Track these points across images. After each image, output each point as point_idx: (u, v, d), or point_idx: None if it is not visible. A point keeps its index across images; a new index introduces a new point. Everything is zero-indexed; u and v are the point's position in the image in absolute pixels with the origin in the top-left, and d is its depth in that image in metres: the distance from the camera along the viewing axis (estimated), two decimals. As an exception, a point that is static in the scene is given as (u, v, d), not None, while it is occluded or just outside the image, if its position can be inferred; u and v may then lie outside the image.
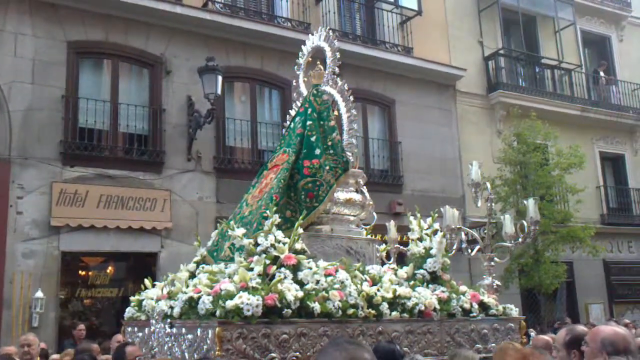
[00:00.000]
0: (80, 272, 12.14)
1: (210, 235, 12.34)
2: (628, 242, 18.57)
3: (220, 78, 11.41)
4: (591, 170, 17.64)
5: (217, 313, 4.12)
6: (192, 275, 5.23)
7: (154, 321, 4.87)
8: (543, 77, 18.29)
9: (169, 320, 4.61)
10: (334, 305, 4.44)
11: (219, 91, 11.46)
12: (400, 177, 14.53)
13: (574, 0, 18.96)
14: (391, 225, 6.80)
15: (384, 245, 6.46)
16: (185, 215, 11.92)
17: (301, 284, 4.54)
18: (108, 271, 12.22)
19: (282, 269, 4.57)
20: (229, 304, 4.10)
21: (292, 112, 6.53)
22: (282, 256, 4.62)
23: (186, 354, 4.33)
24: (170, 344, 4.57)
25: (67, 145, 11.10)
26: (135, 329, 5.41)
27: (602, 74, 19.60)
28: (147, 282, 5.77)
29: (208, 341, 4.10)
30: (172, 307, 4.62)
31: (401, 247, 6.60)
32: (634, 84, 19.85)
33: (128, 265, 12.63)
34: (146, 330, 5.09)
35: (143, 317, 5.31)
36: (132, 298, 5.82)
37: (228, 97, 13.11)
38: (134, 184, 11.50)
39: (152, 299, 5.20)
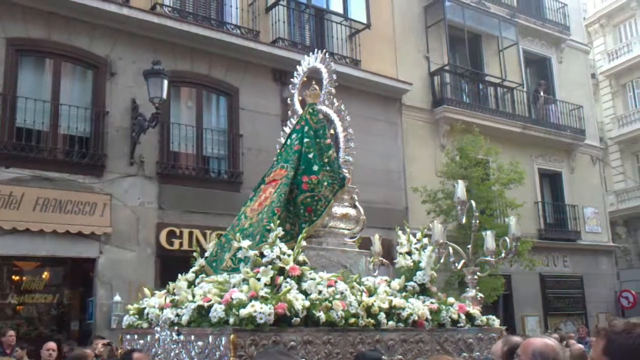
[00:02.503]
0: (13, 277, 11.73)
1: (150, 242, 12.20)
2: (563, 257, 19.18)
3: (166, 82, 11.24)
4: (530, 186, 18.16)
5: (231, 321, 4.33)
6: (191, 285, 5.48)
7: (158, 329, 5.04)
8: (486, 94, 18.78)
9: (176, 328, 4.78)
10: (337, 315, 4.72)
11: (165, 95, 11.28)
12: (345, 188, 14.62)
13: (517, 21, 19.57)
14: (375, 238, 7.04)
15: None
16: (126, 220, 11.67)
17: (305, 294, 4.79)
18: (43, 276, 11.86)
19: (288, 280, 4.82)
20: (243, 312, 4.31)
21: (287, 129, 6.80)
22: (287, 267, 4.88)
23: None
24: (177, 351, 4.74)
25: (3, 145, 10.72)
26: (136, 336, 5.55)
27: (542, 93, 20.24)
28: (146, 290, 5.93)
29: (222, 348, 4.30)
30: (178, 315, 4.81)
31: (384, 260, 6.90)
32: (571, 104, 20.58)
33: (65, 270, 12.28)
34: (148, 337, 5.25)
35: (145, 325, 5.46)
36: (129, 306, 5.98)
37: (174, 102, 12.94)
38: (73, 187, 11.19)
39: (154, 307, 5.38)
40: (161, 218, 12.07)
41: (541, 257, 17.23)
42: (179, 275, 5.80)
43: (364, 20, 15.59)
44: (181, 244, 12.04)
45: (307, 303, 4.63)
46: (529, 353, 3.27)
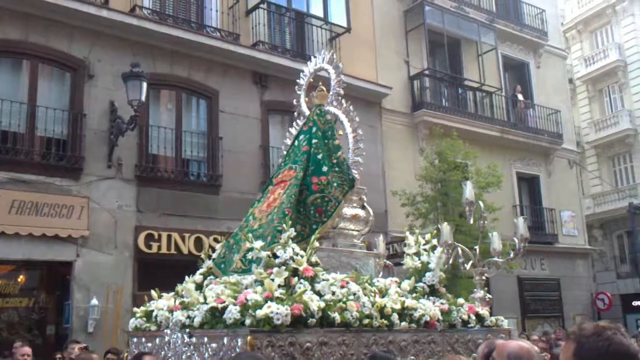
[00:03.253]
0: (-13, 280, 11.57)
1: (128, 245, 12.11)
2: (541, 260, 19.38)
3: (145, 84, 11.18)
4: (508, 189, 18.32)
5: (247, 322, 4.29)
6: (199, 287, 5.45)
7: (168, 331, 4.99)
8: (465, 98, 18.93)
9: (187, 330, 4.73)
10: (351, 316, 4.70)
11: (144, 98, 11.22)
12: (325, 191, 14.64)
13: (496, 26, 19.77)
14: (380, 240, 7.09)
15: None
16: (103, 223, 11.57)
17: (318, 295, 4.75)
18: (19, 280, 11.70)
19: (302, 281, 4.79)
20: (259, 313, 4.28)
21: (293, 130, 6.79)
22: (301, 268, 4.86)
23: None
24: (189, 354, 4.70)
25: (-21, 147, 10.60)
26: (143, 339, 5.50)
27: (520, 97, 20.44)
28: (153, 293, 5.86)
29: (237, 349, 4.27)
30: (189, 317, 4.77)
31: (387, 262, 6.97)
32: (549, 108, 20.83)
33: (41, 274, 12.13)
34: (157, 340, 5.20)
35: (153, 328, 5.41)
36: (136, 309, 5.93)
37: (153, 105, 12.87)
38: (50, 189, 11.07)
39: (162, 309, 5.33)
40: (139, 221, 11.99)
41: (519, 259, 17.35)
42: (186, 277, 5.80)
43: (344, 24, 15.65)
44: (159, 247, 11.97)
45: (323, 304, 4.61)
46: (504, 356, 3.32)
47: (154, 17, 13.01)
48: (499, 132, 18.75)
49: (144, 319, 5.66)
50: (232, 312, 4.39)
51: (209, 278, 5.70)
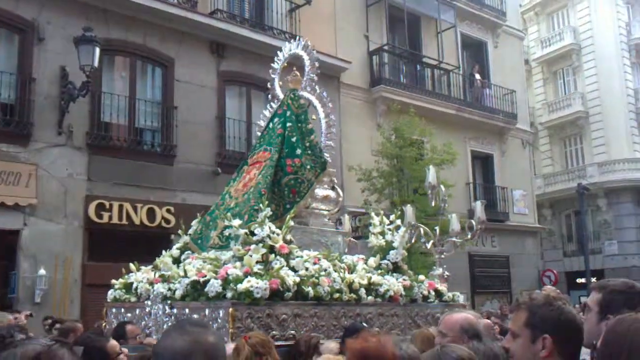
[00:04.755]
0: None
1: (78, 214, 11.84)
2: (491, 237, 19.75)
3: (97, 50, 10.85)
4: (462, 167, 18.56)
5: (229, 295, 4.66)
6: (176, 261, 5.83)
7: (149, 302, 5.29)
8: (423, 75, 19.01)
9: (169, 302, 5.07)
10: (324, 290, 5.11)
11: (96, 63, 10.91)
12: (281, 164, 14.55)
13: (456, 4, 19.82)
14: (346, 219, 7.47)
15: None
16: (53, 192, 11.27)
17: (293, 270, 5.12)
18: (-38, 248, 11.34)
19: (278, 257, 5.15)
20: (240, 287, 4.64)
21: (267, 113, 7.09)
22: (277, 245, 5.22)
23: None
24: (170, 323, 4.95)
25: None
26: (122, 309, 5.81)
27: (477, 76, 20.63)
28: (132, 266, 6.21)
29: (219, 320, 4.64)
30: (170, 290, 5.11)
31: (351, 239, 7.31)
32: (505, 88, 21.08)
33: (-14, 242, 11.78)
34: (137, 311, 5.53)
35: (133, 299, 5.75)
36: (114, 281, 6.22)
37: (106, 71, 12.53)
38: (-4, 156, 10.71)
39: (141, 281, 5.65)
40: (90, 190, 11.72)
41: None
42: (164, 252, 6.10)
43: (305, -4, 15.46)
44: (110, 217, 11.75)
45: (297, 279, 4.98)
46: (457, 329, 3.32)
47: (108, -19, 12.59)
48: (455, 110, 18.92)
49: (123, 290, 5.97)
50: (214, 286, 4.73)
51: (186, 253, 6.00)
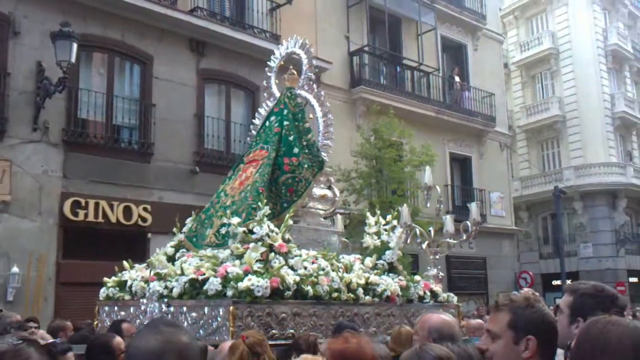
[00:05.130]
0: None
1: (53, 211, 11.69)
2: (469, 239, 19.83)
3: (75, 45, 10.71)
4: (441, 169, 18.65)
5: (229, 293, 4.64)
6: (170, 259, 5.79)
7: (144, 300, 5.22)
8: (403, 77, 19.07)
9: (166, 300, 5.02)
10: (323, 289, 5.13)
11: (73, 59, 10.77)
12: (260, 164, 14.48)
13: (436, 6, 19.93)
14: (338, 218, 7.44)
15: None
16: (27, 188, 11.11)
17: (292, 269, 5.13)
18: None
19: (277, 256, 5.16)
20: (241, 285, 4.64)
21: (262, 111, 7.13)
22: (276, 244, 5.21)
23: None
24: None
25: None
26: (116, 308, 5.80)
27: (457, 79, 20.76)
28: (125, 264, 6.16)
29: (219, 318, 4.64)
30: (167, 288, 5.07)
31: (342, 239, 7.20)
32: (484, 91, 21.25)
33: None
34: (132, 309, 5.52)
35: (127, 297, 5.71)
36: (106, 279, 6.17)
37: (84, 67, 12.39)
38: (-31, 151, 10.54)
39: (135, 280, 5.66)
40: (66, 187, 11.58)
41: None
42: (157, 250, 6.08)
43: (286, -5, 15.42)
44: (86, 215, 11.61)
45: (297, 278, 4.99)
46: (425, 329, 3.35)
47: (86, -25, 12.45)
48: (435, 112, 19.01)
49: (117, 288, 5.93)
50: (214, 284, 4.73)
51: (181, 251, 5.99)
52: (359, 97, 17.14)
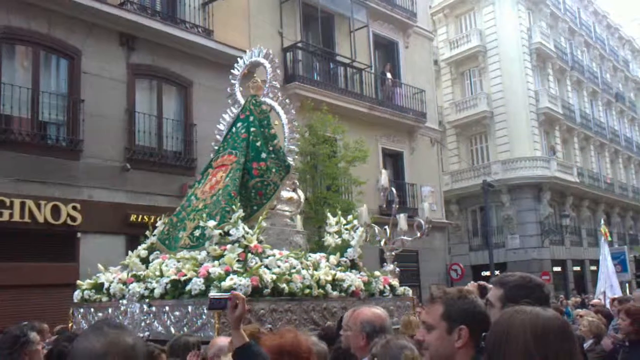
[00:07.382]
0: None
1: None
2: (401, 232, 20.22)
3: (-3, 38, 10.31)
4: (374, 164, 18.90)
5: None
6: (144, 261, 6.14)
7: (124, 301, 5.48)
8: (337, 73, 19.22)
9: (147, 301, 5.28)
10: (296, 286, 5.47)
11: (-5, 53, 10.36)
12: (194, 160, 14.31)
13: (368, 3, 20.16)
14: (298, 219, 7.65)
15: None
16: (-53, 188, 10.62)
17: (267, 268, 5.43)
18: None
19: (253, 256, 5.46)
20: (224, 284, 4.91)
21: (227, 117, 7.51)
22: (251, 245, 5.53)
23: (172, 329, 5.13)
24: (148, 321, 5.28)
25: None
26: (92, 309, 6.00)
27: (389, 75, 21.07)
28: (100, 266, 6.44)
29: (204, 316, 4.92)
30: (147, 289, 5.34)
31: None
32: (415, 88, 21.66)
33: None
34: (110, 310, 5.74)
35: (104, 299, 5.92)
36: (79, 282, 6.45)
37: (6, 61, 11.94)
38: None
39: (112, 282, 5.85)
40: (-11, 186, 11.13)
41: (381, 231, 18.05)
42: (130, 252, 6.38)
43: (218, -10, 15.26)
44: (12, 215, 11.20)
45: (274, 276, 5.32)
46: (358, 324, 3.41)
47: (9, -34, 11.96)
48: (367, 109, 19.25)
49: (93, 290, 6.14)
50: (197, 284, 5.02)
51: (155, 253, 6.27)
52: (293, 93, 17.13)
